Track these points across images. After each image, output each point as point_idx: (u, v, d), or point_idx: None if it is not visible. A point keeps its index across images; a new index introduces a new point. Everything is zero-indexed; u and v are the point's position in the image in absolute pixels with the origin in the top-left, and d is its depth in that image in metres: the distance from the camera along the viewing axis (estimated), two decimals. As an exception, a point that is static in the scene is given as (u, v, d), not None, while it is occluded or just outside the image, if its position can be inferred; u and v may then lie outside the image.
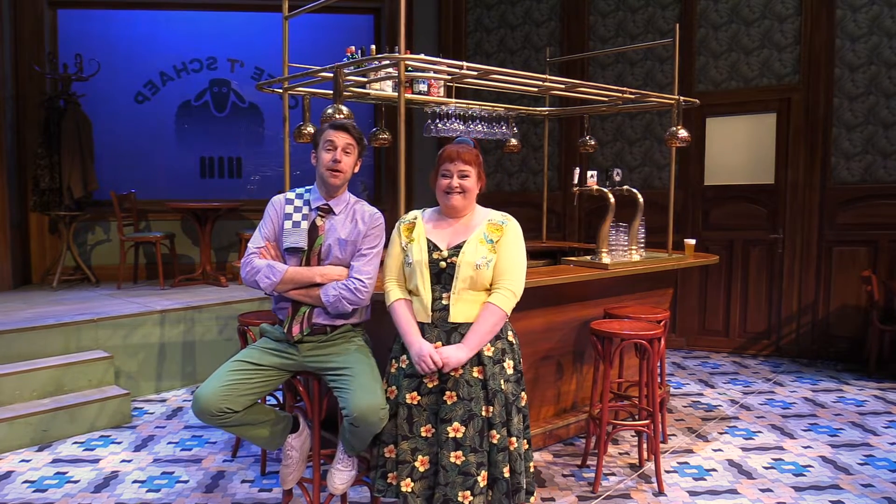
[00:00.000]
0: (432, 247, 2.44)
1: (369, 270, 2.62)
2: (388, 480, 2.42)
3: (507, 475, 2.34)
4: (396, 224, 2.59)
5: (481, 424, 2.32)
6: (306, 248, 2.63)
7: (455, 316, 2.37)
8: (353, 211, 2.70)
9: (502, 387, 2.37)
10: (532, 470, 2.50)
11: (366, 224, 2.66)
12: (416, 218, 2.55)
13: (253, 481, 3.40)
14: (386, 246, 2.65)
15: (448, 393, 2.34)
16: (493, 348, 2.39)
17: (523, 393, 2.48)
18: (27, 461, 3.65)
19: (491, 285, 2.40)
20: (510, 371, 2.42)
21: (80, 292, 5.89)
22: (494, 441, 2.33)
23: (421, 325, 2.41)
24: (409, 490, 2.36)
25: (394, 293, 2.50)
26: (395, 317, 2.47)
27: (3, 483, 3.37)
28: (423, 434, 2.37)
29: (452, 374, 2.34)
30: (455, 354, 2.31)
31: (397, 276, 2.51)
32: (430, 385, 2.38)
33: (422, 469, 2.37)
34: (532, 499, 2.48)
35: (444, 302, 2.38)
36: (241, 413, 2.51)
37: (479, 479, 2.30)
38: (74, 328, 4.51)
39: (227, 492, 3.28)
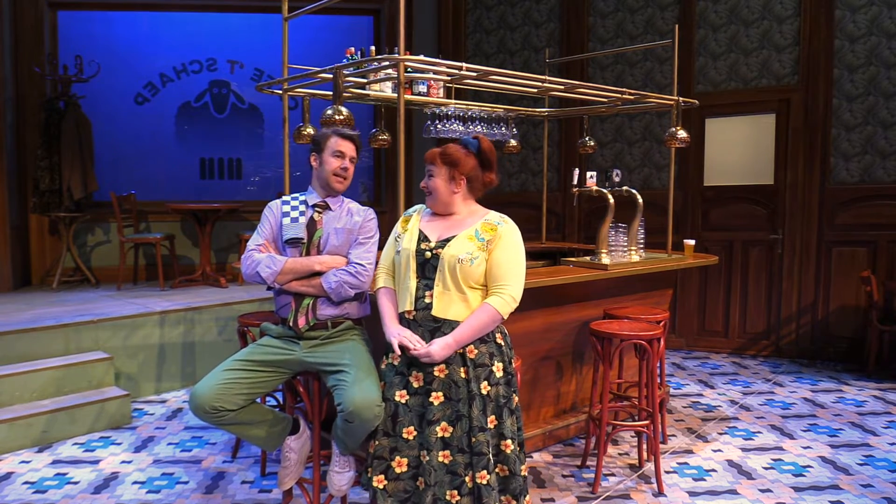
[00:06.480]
0: (423, 237, 2.44)
1: (368, 257, 2.72)
2: (369, 475, 2.39)
3: (500, 475, 2.33)
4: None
5: (468, 425, 2.30)
6: (306, 239, 2.72)
7: (437, 310, 2.34)
8: (347, 207, 2.84)
9: (482, 390, 2.33)
10: (524, 473, 2.40)
11: (361, 216, 2.79)
12: (416, 211, 2.59)
13: (253, 482, 3.40)
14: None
15: (434, 394, 2.32)
16: (476, 351, 2.35)
17: (514, 395, 2.43)
18: (27, 462, 3.65)
19: (487, 288, 2.38)
20: (500, 374, 2.38)
21: (80, 293, 5.89)
22: (474, 442, 2.29)
23: (406, 323, 2.41)
24: (381, 487, 2.33)
25: (380, 280, 2.56)
26: (378, 303, 2.51)
27: (4, 484, 3.37)
28: (405, 436, 2.34)
29: (437, 374, 2.33)
30: (439, 353, 2.29)
31: (388, 266, 2.56)
32: (416, 385, 2.36)
33: (398, 470, 2.33)
34: (526, 499, 2.40)
35: (426, 300, 2.36)
36: (236, 412, 2.53)
37: (466, 479, 2.29)
38: (74, 329, 4.51)
39: (227, 493, 3.28)
